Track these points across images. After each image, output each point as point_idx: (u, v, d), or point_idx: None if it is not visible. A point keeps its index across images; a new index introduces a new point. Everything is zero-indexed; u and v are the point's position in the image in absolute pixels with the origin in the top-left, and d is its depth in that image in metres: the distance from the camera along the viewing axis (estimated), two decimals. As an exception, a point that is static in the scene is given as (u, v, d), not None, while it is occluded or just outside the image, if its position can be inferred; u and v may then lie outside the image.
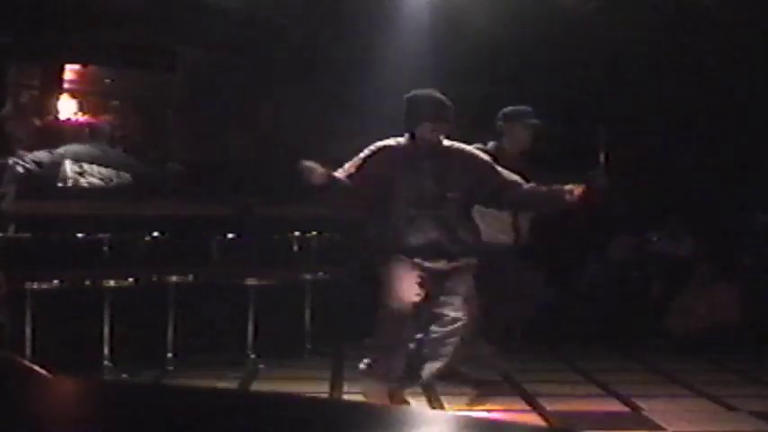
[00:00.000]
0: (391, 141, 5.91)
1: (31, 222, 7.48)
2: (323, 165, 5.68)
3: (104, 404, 2.22)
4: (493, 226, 6.68)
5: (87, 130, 8.81)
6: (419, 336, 5.91)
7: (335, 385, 6.97)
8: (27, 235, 7.41)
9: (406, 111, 5.90)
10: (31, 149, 8.40)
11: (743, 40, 9.69)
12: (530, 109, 6.95)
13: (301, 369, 7.60)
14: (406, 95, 5.97)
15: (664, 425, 5.93)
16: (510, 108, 6.96)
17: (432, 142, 5.87)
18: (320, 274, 8.07)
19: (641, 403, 6.51)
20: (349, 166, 5.81)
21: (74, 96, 10.37)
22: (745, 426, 6.13)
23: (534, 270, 7.03)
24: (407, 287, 5.73)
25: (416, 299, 5.74)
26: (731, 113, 10.10)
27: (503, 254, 6.65)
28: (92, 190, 8.30)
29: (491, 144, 6.86)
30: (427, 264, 5.79)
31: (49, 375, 2.28)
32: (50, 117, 9.96)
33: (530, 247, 6.98)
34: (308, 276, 8.05)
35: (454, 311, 5.81)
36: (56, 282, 6.99)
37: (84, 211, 8.01)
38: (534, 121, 6.85)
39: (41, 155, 7.88)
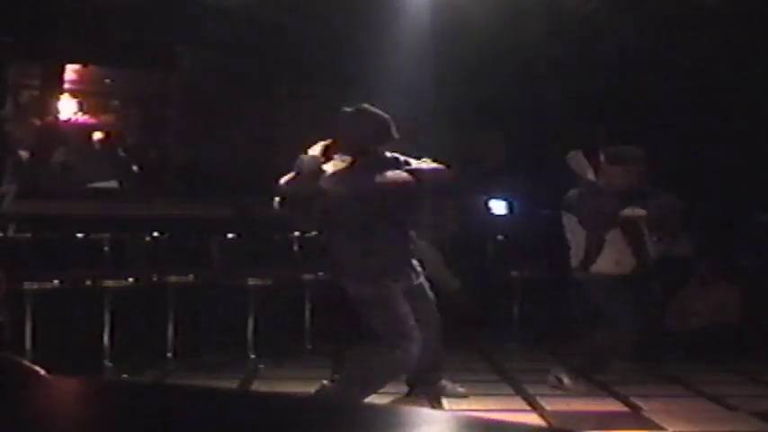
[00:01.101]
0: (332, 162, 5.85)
1: (31, 222, 7.48)
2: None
3: (104, 404, 2.22)
4: (609, 254, 6.87)
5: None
6: None
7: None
8: (27, 235, 7.41)
9: (362, 128, 5.85)
10: (31, 149, 8.41)
11: (745, 40, 9.69)
12: (634, 152, 6.96)
13: (301, 369, 7.60)
14: (360, 111, 5.91)
15: (664, 425, 5.93)
16: (612, 148, 7.00)
17: (380, 159, 5.90)
18: (320, 273, 8.08)
19: (641, 403, 6.51)
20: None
21: (74, 96, 10.37)
22: (745, 426, 6.13)
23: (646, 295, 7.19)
24: (406, 310, 5.84)
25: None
26: (732, 113, 10.09)
27: (614, 286, 6.87)
28: (92, 190, 8.31)
29: (586, 181, 6.95)
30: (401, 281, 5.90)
31: (49, 375, 2.28)
32: (50, 117, 9.96)
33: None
34: (307, 276, 8.05)
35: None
36: (56, 282, 6.99)
37: (84, 211, 8.02)
38: (636, 166, 6.87)
39: None
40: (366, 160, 5.87)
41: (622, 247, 6.96)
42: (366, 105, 5.99)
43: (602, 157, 7.01)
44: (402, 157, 6.09)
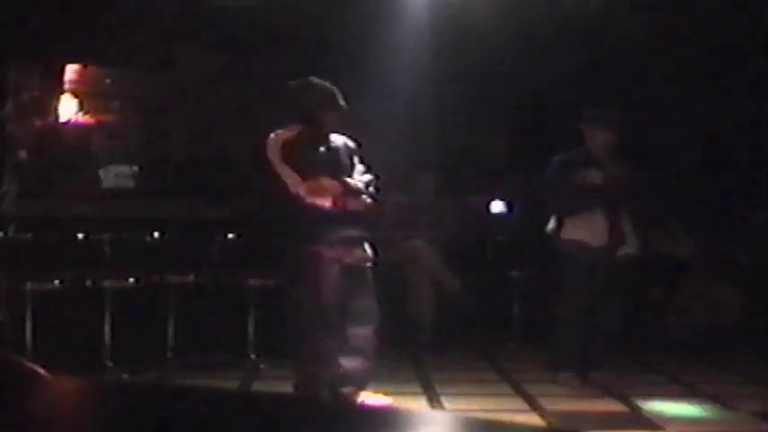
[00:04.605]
0: (283, 133, 5.92)
1: (31, 222, 7.48)
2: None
3: (104, 404, 2.22)
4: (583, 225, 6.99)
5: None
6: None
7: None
8: (27, 235, 7.41)
9: (306, 98, 5.90)
10: (30, 149, 8.41)
11: (743, 40, 9.69)
12: (604, 113, 7.19)
13: (301, 369, 7.59)
14: (304, 83, 5.95)
15: (664, 425, 5.93)
16: (590, 111, 7.19)
17: (331, 131, 5.96)
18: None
19: (641, 403, 6.51)
20: (292, 174, 5.79)
21: (74, 96, 10.36)
22: (745, 426, 6.13)
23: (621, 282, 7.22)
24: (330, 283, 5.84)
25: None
26: (731, 113, 10.10)
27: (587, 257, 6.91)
28: (91, 190, 8.32)
29: (575, 151, 7.13)
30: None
31: (49, 375, 2.28)
32: (50, 117, 9.96)
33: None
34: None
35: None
36: (56, 282, 7.00)
37: (84, 212, 8.03)
38: (608, 123, 7.09)
39: None
40: (310, 132, 5.89)
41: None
42: (311, 78, 6.00)
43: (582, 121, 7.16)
44: (351, 144, 6.07)
